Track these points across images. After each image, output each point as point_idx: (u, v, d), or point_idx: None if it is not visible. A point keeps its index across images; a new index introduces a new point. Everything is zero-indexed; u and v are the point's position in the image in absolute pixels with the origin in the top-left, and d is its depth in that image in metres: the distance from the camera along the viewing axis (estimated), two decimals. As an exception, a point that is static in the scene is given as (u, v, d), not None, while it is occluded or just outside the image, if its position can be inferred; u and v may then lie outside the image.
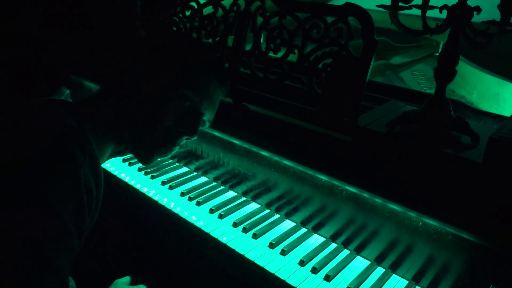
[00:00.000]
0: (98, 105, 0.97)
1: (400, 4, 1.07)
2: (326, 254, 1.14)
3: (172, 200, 1.36)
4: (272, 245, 1.15)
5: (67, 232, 0.73)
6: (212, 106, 1.07)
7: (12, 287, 0.66)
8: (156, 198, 1.37)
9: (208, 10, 1.46)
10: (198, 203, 1.34)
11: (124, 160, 1.58)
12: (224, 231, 1.21)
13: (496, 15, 0.98)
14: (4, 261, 0.67)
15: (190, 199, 1.36)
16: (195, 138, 1.05)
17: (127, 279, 1.22)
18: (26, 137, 0.76)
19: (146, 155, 1.02)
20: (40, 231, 0.70)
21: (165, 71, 0.98)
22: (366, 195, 1.07)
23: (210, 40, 1.44)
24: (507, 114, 1.39)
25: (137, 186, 1.43)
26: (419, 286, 1.05)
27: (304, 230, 1.25)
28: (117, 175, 1.50)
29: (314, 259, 1.12)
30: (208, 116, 1.08)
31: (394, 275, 1.09)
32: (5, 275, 0.66)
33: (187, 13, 1.51)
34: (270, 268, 1.08)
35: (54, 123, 0.80)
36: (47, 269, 0.69)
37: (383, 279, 1.07)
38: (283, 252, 1.13)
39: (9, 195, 0.70)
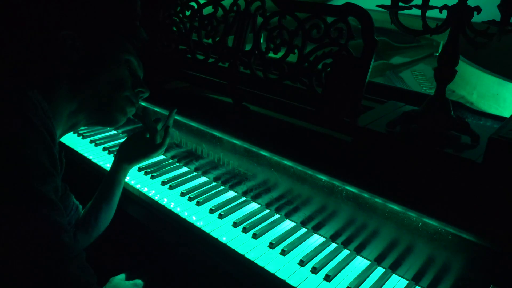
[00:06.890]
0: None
1: (400, 4, 1.07)
2: (326, 254, 1.14)
3: (172, 200, 1.36)
4: (272, 245, 1.15)
5: (50, 173, 0.82)
6: (140, 63, 1.16)
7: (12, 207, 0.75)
8: (156, 198, 1.37)
9: (208, 10, 1.46)
10: (198, 203, 1.34)
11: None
12: (224, 231, 1.21)
13: (496, 15, 0.98)
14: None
15: (190, 199, 1.37)
16: (148, 94, 1.15)
17: (122, 276, 1.22)
18: None
19: (113, 120, 1.10)
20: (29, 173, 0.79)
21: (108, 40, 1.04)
22: (366, 195, 1.07)
23: (210, 40, 1.44)
24: (507, 114, 1.38)
25: (137, 186, 1.43)
26: (419, 286, 1.05)
27: (304, 230, 1.25)
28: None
29: (314, 259, 1.12)
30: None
31: (394, 275, 1.09)
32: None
33: (187, 13, 1.51)
34: (270, 268, 1.08)
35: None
36: (41, 200, 0.79)
37: (383, 279, 1.07)
38: (283, 252, 1.13)
39: None
